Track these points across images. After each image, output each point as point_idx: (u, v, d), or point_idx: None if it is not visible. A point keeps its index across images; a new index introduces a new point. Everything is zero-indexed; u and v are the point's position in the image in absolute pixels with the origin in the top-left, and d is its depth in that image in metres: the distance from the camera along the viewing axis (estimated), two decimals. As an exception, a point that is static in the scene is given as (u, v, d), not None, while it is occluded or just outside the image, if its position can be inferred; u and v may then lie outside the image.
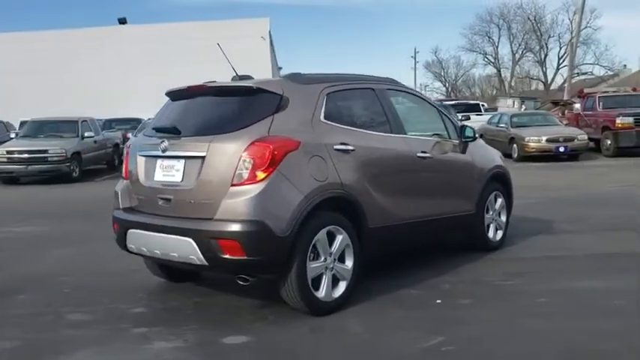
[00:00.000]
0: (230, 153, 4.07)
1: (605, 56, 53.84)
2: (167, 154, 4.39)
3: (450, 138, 5.80)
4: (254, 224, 3.96)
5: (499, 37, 60.09)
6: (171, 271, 5.21)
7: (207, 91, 4.62)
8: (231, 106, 4.46)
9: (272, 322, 4.22)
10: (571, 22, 55.27)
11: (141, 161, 4.66)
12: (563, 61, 56.66)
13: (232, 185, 4.03)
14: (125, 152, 4.97)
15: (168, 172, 4.41)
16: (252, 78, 4.87)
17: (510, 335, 3.88)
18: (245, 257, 3.96)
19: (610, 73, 52.62)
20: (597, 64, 52.97)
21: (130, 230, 4.55)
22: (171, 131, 4.46)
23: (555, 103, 31.24)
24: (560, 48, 56.47)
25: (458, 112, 21.10)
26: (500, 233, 6.36)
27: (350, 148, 4.56)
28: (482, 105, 31.04)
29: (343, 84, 4.92)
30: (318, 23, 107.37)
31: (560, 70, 57.13)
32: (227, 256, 3.98)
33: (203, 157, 4.17)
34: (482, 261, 5.84)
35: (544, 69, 57.93)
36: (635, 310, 4.30)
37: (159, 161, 4.51)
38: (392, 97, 5.31)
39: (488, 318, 4.20)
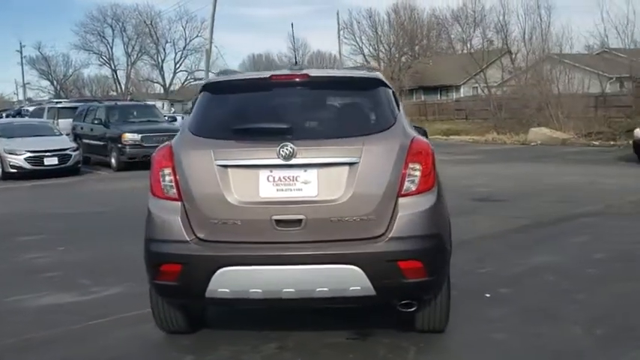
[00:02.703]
0: (391, 157, 3.36)
1: (216, 64, 58.32)
2: (292, 162, 3.33)
3: None
4: (435, 239, 3.40)
5: (113, 37, 58.87)
6: (194, 318, 3.94)
7: (309, 82, 3.60)
8: (358, 100, 3.66)
9: (418, 351, 3.66)
10: (184, 30, 58.16)
11: (223, 173, 3.37)
12: (180, 65, 59.27)
13: (402, 195, 3.36)
14: (167, 163, 3.48)
15: (291, 185, 3.35)
16: (308, 67, 4.04)
17: (616, 304, 4.34)
18: (426, 278, 3.36)
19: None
20: (210, 71, 56.81)
21: (225, 269, 3.27)
22: (280, 132, 3.38)
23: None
24: (176, 54, 58.81)
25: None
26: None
27: None
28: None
29: None
30: None
31: (177, 75, 59.57)
32: (408, 280, 3.31)
33: (353, 164, 3.35)
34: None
35: (162, 72, 59.42)
36: (603, 268, 5.30)
37: (264, 172, 3.36)
38: None
39: (561, 295, 4.59)
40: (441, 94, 45.49)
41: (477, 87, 40.62)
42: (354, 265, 3.24)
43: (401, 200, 3.36)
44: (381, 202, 3.33)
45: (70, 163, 14.76)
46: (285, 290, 3.31)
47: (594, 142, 20.67)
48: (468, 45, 44.08)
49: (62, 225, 8.30)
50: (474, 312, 4.31)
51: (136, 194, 11.85)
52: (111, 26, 58.11)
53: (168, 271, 3.38)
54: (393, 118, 3.59)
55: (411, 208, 3.36)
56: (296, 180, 3.36)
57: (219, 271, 3.28)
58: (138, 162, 15.68)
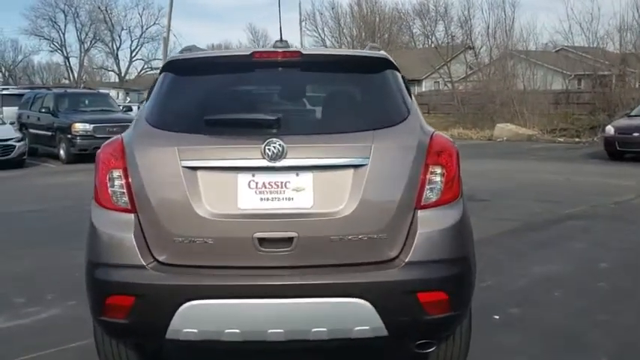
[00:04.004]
0: (407, 157, 2.63)
1: (174, 53, 56.42)
2: (281, 163, 2.57)
3: None
4: (462, 264, 2.68)
5: (65, 23, 56.37)
6: (150, 357, 3.14)
7: (301, 62, 2.81)
8: (363, 85, 2.88)
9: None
10: (141, 17, 56.35)
11: (191, 177, 2.58)
12: (136, 54, 57.35)
13: (421, 207, 2.64)
14: (117, 163, 2.66)
15: (279, 194, 2.58)
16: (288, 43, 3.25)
17: None
18: (450, 313, 2.65)
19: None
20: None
21: (192, 303, 2.50)
22: (266, 124, 2.61)
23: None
24: (132, 41, 56.79)
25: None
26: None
27: None
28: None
29: None
30: None
31: (133, 63, 57.61)
32: (430, 316, 2.59)
33: (360, 166, 2.60)
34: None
35: (117, 61, 57.31)
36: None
37: (245, 176, 2.59)
38: None
39: (579, 316, 3.99)
40: (402, 89, 45.09)
41: (439, 82, 40.46)
42: (361, 298, 2.51)
43: (420, 214, 2.63)
44: (395, 215, 2.60)
45: (13, 155, 13.61)
46: (270, 331, 2.54)
47: (559, 139, 20.51)
48: (431, 39, 43.92)
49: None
50: (488, 340, 3.66)
51: (85, 189, 10.97)
52: (63, 11, 55.63)
53: (117, 306, 2.57)
54: (406, 109, 2.85)
55: (432, 224, 2.63)
56: (286, 187, 2.59)
57: (184, 306, 2.49)
58: (89, 154, 14.69)
